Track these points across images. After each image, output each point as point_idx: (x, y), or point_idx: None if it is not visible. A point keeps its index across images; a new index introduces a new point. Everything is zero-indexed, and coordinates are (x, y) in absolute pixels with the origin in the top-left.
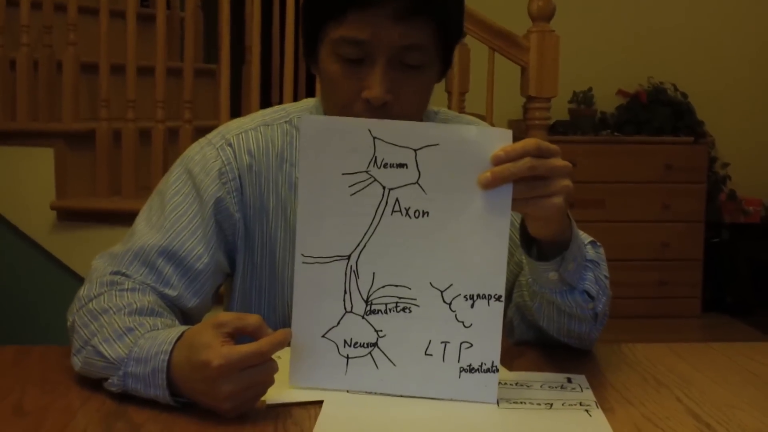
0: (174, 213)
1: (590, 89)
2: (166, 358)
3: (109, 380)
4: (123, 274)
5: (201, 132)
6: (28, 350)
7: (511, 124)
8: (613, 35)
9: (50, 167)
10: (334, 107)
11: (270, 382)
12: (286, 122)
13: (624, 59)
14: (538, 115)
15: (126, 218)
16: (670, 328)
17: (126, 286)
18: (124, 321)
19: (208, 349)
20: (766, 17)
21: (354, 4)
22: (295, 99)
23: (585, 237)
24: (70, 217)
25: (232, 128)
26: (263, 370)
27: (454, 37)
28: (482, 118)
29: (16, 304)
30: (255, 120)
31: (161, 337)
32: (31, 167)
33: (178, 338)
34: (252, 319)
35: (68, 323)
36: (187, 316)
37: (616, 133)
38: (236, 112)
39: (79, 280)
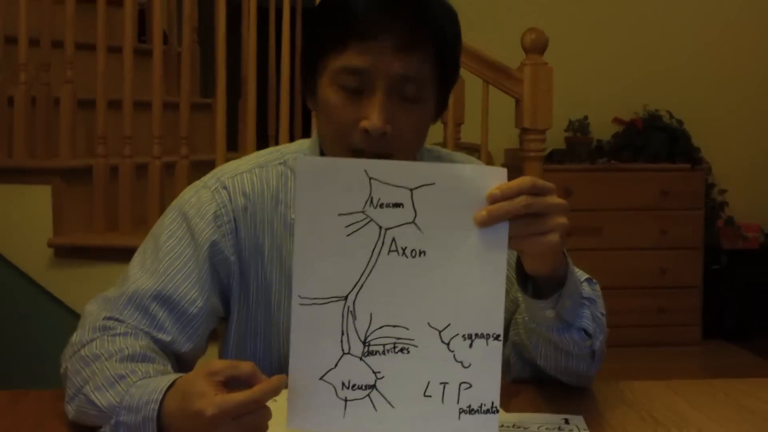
0: (168, 257)
1: (586, 117)
2: (156, 407)
3: (102, 429)
4: (116, 319)
5: (197, 167)
6: (23, 395)
7: (508, 154)
8: (607, 63)
9: (47, 204)
10: (331, 137)
11: (264, 428)
12: (280, 163)
13: (619, 87)
14: (533, 146)
15: (123, 254)
16: (670, 356)
17: (119, 331)
18: (115, 368)
19: (202, 398)
20: (760, 43)
21: (355, 35)
22: (291, 132)
23: (581, 274)
24: (67, 253)
25: (227, 171)
26: (257, 417)
27: (451, 75)
28: (478, 148)
29: (14, 342)
30: (250, 162)
31: (152, 385)
32: (29, 204)
33: (170, 387)
34: (245, 367)
35: (61, 369)
36: (181, 361)
37: (612, 161)
38: (233, 145)
39: (77, 318)
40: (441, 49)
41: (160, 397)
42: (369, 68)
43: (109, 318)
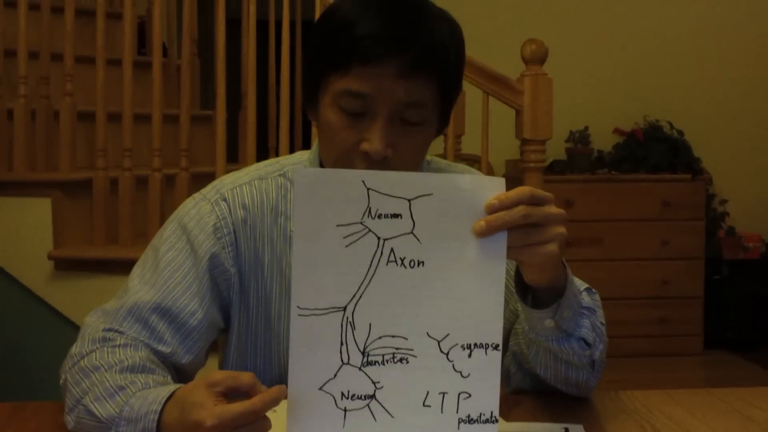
0: (168, 269)
1: (586, 128)
2: (156, 417)
3: None
4: (116, 331)
5: (197, 179)
6: (22, 406)
7: (509, 164)
8: (608, 74)
9: (47, 217)
10: (332, 157)
11: None
12: (280, 175)
13: (619, 98)
14: (534, 157)
15: (123, 267)
16: (672, 367)
17: (118, 342)
18: (115, 379)
19: (201, 409)
20: (760, 54)
21: (358, 58)
22: (292, 145)
23: (580, 284)
24: (67, 266)
25: (226, 183)
26: (256, 428)
27: (454, 94)
28: (478, 159)
29: (14, 354)
30: (249, 174)
31: (152, 396)
32: (29, 217)
33: (169, 397)
34: (245, 378)
35: (60, 381)
36: (180, 372)
37: (613, 171)
38: (233, 157)
39: (77, 330)
40: (445, 71)
41: (160, 407)
42: (371, 93)
43: (109, 329)
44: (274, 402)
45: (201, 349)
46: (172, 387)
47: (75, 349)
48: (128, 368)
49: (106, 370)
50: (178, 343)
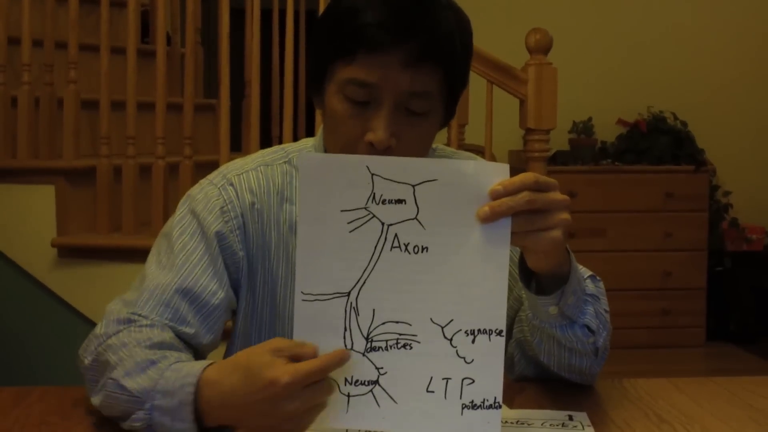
0: (183, 252)
1: (590, 119)
2: (193, 390)
3: (134, 415)
4: (139, 315)
5: (201, 167)
6: (27, 391)
7: (512, 155)
8: (612, 65)
9: (51, 204)
10: (337, 146)
11: (324, 404)
12: (285, 162)
13: (623, 89)
14: (538, 147)
15: (126, 255)
16: (674, 358)
17: (144, 323)
18: (146, 353)
19: (272, 368)
20: (764, 45)
21: (364, 46)
22: (295, 133)
23: (584, 271)
24: (70, 254)
25: (232, 168)
26: (322, 386)
27: (460, 85)
28: (481, 149)
29: (17, 341)
30: (255, 160)
31: (186, 369)
32: (32, 204)
33: (205, 368)
34: (309, 348)
35: (85, 362)
36: (198, 355)
37: (616, 163)
38: (236, 146)
39: (80, 317)
40: (451, 61)
41: (195, 380)
42: (377, 82)
43: (133, 313)
44: (340, 363)
45: (219, 329)
46: (205, 362)
47: (99, 330)
48: (157, 345)
49: (135, 346)
50: (199, 324)
